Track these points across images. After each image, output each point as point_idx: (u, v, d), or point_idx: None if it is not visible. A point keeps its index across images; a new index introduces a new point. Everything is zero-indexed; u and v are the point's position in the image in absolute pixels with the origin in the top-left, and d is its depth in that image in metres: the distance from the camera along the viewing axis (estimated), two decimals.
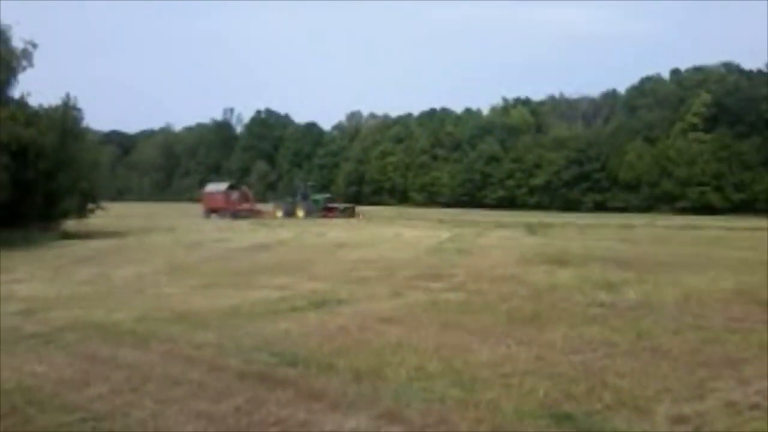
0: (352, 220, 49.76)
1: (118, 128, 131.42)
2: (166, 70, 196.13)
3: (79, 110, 36.54)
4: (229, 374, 7.31)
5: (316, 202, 56.67)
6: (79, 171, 33.89)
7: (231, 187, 60.32)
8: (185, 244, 26.00)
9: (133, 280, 15.82)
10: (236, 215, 52.51)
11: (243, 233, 33.11)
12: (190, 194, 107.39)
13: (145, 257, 21.42)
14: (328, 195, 63.69)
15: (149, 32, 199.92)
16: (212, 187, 61.64)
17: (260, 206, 58.60)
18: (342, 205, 59.81)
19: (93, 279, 16.29)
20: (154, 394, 6.58)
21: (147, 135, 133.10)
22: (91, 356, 8.24)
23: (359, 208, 60.83)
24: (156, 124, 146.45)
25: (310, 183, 65.09)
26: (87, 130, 39.67)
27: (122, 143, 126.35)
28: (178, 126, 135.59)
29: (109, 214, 38.50)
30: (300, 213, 54.27)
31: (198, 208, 59.24)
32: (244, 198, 58.22)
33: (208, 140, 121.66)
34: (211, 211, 55.08)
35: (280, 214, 55.04)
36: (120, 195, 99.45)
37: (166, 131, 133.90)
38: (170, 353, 8.33)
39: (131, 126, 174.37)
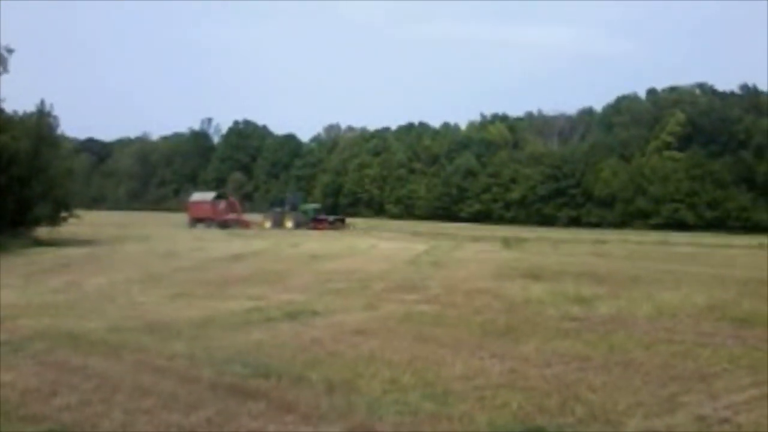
0: (335, 233, 48.58)
1: (95, 136, 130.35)
2: (146, 78, 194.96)
3: (54, 117, 36.23)
4: (200, 385, 7.23)
5: (305, 212, 55.36)
6: (53, 178, 33.50)
7: (218, 197, 59.36)
8: (159, 254, 25.77)
9: (105, 289, 15.63)
10: (223, 225, 51.56)
11: (218, 243, 32.90)
12: (166, 203, 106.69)
13: (118, 266, 21.19)
14: (318, 205, 61.96)
15: (129, 40, 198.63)
16: (198, 197, 60.54)
17: (248, 217, 57.38)
18: (332, 217, 58.15)
19: (64, 287, 16.06)
20: (123, 405, 6.48)
21: (123, 143, 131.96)
22: (61, 365, 8.11)
23: (349, 220, 59.38)
24: (133, 132, 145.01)
25: (299, 193, 63.48)
26: (62, 137, 39.31)
27: (98, 151, 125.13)
28: (155, 135, 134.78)
29: (82, 222, 37.97)
30: (289, 224, 52.94)
31: (174, 218, 58.71)
32: (232, 208, 57.11)
33: (185, 150, 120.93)
34: (197, 220, 53.99)
35: (268, 224, 53.73)
36: (94, 203, 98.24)
37: (142, 140, 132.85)
38: (141, 363, 8.23)
39: (108, 134, 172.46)
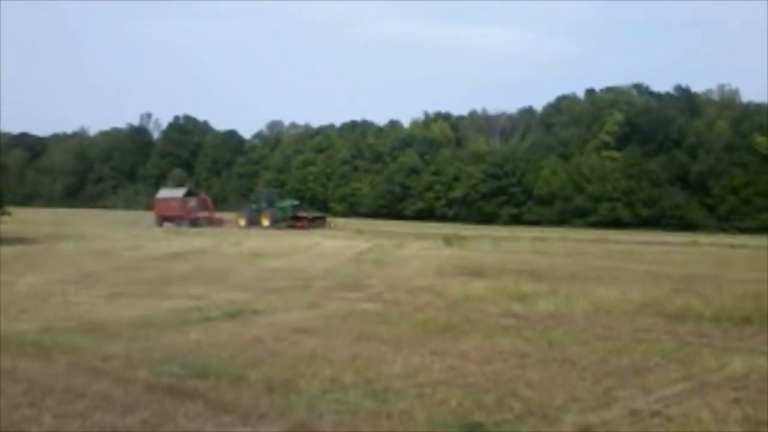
0: (314, 231, 45.62)
1: (29, 130, 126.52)
2: (83, 72, 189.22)
3: None
4: (136, 387, 7.09)
5: (282, 209, 51.81)
6: None
7: (189, 194, 56.21)
8: (96, 252, 25.17)
9: (38, 289, 15.16)
10: (195, 223, 49.45)
11: (156, 242, 32.32)
12: (104, 200, 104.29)
13: (52, 265, 20.62)
14: (296, 202, 57.14)
15: (65, 33, 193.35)
16: (166, 193, 57.65)
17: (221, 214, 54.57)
18: (311, 214, 54.33)
19: None
20: (54, 408, 6.30)
21: (59, 138, 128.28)
22: None
23: (330, 219, 55.45)
24: (69, 127, 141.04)
25: (277, 189, 59.08)
26: None
27: (32, 146, 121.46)
28: (92, 130, 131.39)
29: (15, 220, 36.85)
30: (265, 222, 49.83)
31: (112, 215, 57.08)
32: (203, 205, 54.51)
33: (124, 145, 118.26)
34: (165, 219, 51.37)
35: (242, 222, 50.71)
36: (29, 200, 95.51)
37: (79, 135, 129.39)
38: (75, 365, 8.02)
39: (42, 128, 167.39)
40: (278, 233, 43.51)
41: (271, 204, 52.52)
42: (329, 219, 54.44)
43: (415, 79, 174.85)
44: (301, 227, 48.45)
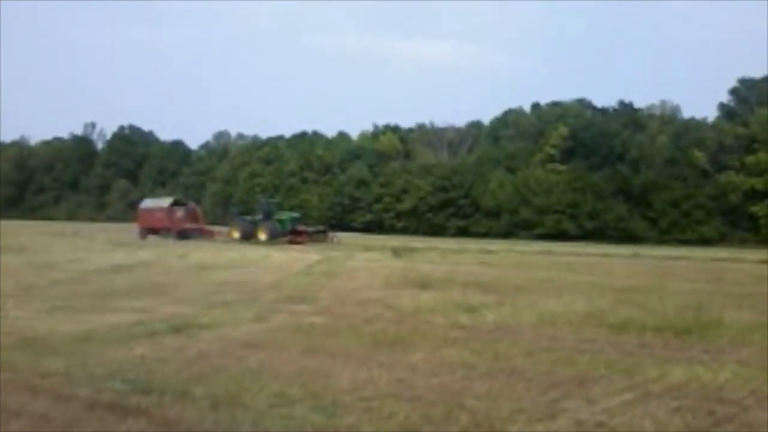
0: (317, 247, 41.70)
1: None
2: (23, 79, 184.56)
3: None
4: (77, 404, 6.89)
5: (281, 222, 47.30)
6: None
7: (176, 203, 53.10)
8: (36, 265, 24.44)
9: None
10: (183, 235, 47.09)
11: (100, 254, 31.60)
12: (45, 211, 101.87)
13: None
14: (296, 214, 52.30)
15: (4, 38, 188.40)
16: (151, 203, 54.81)
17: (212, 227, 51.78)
18: (312, 228, 50.38)
19: None
20: None
21: None
22: None
23: (333, 233, 50.71)
24: (8, 136, 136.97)
25: (273, 200, 54.99)
26: None
27: None
28: (34, 139, 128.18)
29: None
30: (262, 235, 45.69)
31: (53, 227, 55.47)
32: (192, 216, 51.52)
33: (66, 155, 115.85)
34: (150, 231, 48.93)
35: (236, 235, 46.64)
36: None
37: (19, 144, 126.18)
38: (12, 383, 7.75)
39: None
40: (227, 246, 42.86)
41: (267, 216, 47.75)
42: (331, 234, 50.31)
43: (364, 92, 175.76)
44: (302, 242, 44.76)
